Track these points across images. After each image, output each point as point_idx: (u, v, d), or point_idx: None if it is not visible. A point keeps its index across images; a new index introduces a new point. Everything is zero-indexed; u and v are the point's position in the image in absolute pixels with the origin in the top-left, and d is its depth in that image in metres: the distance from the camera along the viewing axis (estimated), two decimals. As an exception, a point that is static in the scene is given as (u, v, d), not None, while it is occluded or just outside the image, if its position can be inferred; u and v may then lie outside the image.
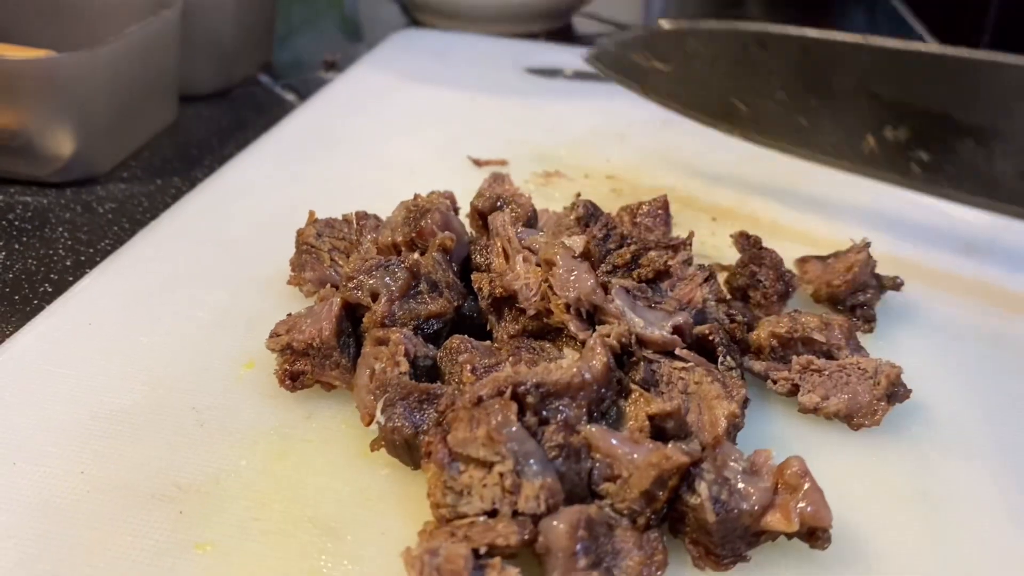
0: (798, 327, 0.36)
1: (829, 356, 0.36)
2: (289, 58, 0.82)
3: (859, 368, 0.36)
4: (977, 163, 0.40)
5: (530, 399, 0.29)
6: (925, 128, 0.41)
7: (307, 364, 0.35)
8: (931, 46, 0.41)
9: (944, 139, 0.40)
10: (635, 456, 0.29)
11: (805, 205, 0.53)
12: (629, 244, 0.37)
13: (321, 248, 0.41)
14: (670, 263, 0.36)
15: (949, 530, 0.32)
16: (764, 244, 0.42)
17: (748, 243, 0.41)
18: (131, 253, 0.45)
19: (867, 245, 0.40)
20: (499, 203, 0.39)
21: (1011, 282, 0.46)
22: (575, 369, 0.30)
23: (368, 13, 1.07)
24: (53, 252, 0.49)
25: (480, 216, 0.40)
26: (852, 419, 0.35)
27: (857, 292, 0.39)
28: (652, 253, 0.37)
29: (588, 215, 0.39)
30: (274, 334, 0.37)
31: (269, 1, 0.77)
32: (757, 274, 0.39)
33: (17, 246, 0.49)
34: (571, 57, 0.80)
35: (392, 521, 0.31)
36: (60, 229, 0.51)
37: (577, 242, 0.36)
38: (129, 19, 0.62)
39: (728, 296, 0.38)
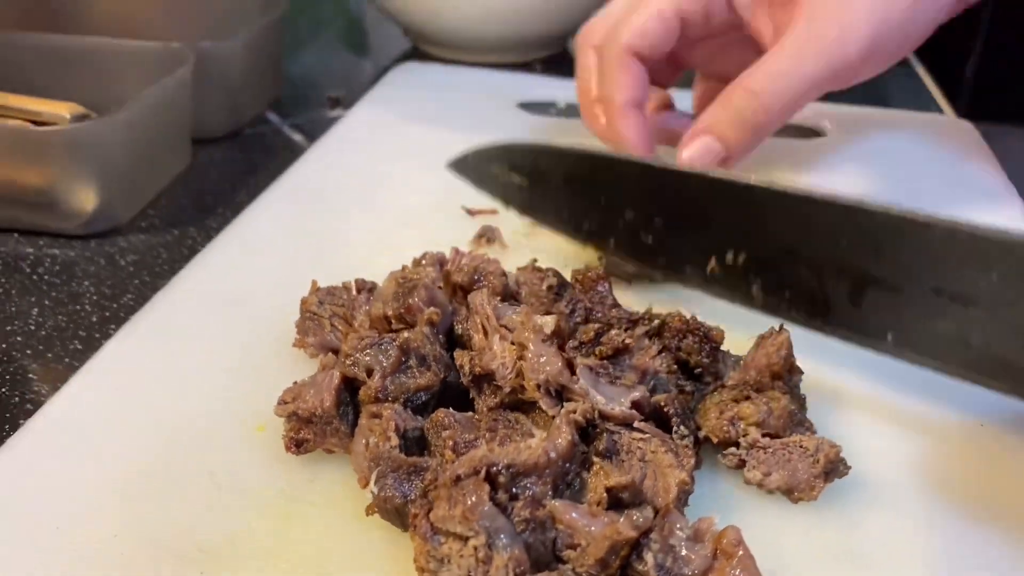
0: (738, 425, 0.40)
1: (775, 435, 0.40)
2: (297, 80, 0.87)
3: (801, 447, 0.40)
4: (813, 289, 0.44)
5: (501, 479, 0.34)
6: (763, 255, 0.45)
7: (310, 432, 0.40)
8: (763, 181, 0.45)
9: (780, 267, 0.45)
10: (592, 528, 0.33)
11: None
12: (591, 320, 0.42)
13: (323, 315, 0.46)
14: (627, 341, 0.41)
15: (872, 587, 0.36)
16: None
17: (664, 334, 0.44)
18: (151, 313, 0.50)
19: (783, 330, 0.43)
20: (476, 276, 0.43)
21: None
22: (541, 450, 0.35)
23: (373, 26, 1.11)
24: (80, 308, 0.54)
25: (460, 288, 0.44)
26: (792, 493, 0.39)
27: (787, 372, 0.43)
28: (612, 332, 0.41)
29: (559, 285, 0.44)
30: (281, 401, 0.41)
31: (276, 41, 0.82)
32: (684, 342, 0.43)
33: (47, 302, 0.54)
34: (564, 91, 0.84)
35: (384, 581, 0.35)
36: (86, 283, 0.56)
37: (548, 322, 0.40)
38: (145, 71, 0.66)
39: (675, 368, 0.42)
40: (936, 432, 0.44)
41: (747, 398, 0.41)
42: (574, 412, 0.38)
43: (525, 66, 0.96)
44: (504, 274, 0.45)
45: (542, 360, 0.39)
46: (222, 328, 0.49)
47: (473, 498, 0.33)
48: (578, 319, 0.44)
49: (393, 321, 0.43)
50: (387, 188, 0.65)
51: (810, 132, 0.78)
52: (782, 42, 0.53)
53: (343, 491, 0.39)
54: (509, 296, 0.45)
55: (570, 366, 0.39)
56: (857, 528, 0.39)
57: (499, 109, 0.79)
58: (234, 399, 0.44)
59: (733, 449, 0.40)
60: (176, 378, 0.45)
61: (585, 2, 0.93)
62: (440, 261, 0.49)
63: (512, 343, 0.40)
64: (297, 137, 0.77)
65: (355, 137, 0.72)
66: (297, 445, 0.40)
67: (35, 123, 0.66)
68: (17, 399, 0.46)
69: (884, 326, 0.43)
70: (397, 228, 0.60)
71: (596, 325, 0.42)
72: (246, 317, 0.50)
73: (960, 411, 0.45)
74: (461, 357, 0.41)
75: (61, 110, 0.67)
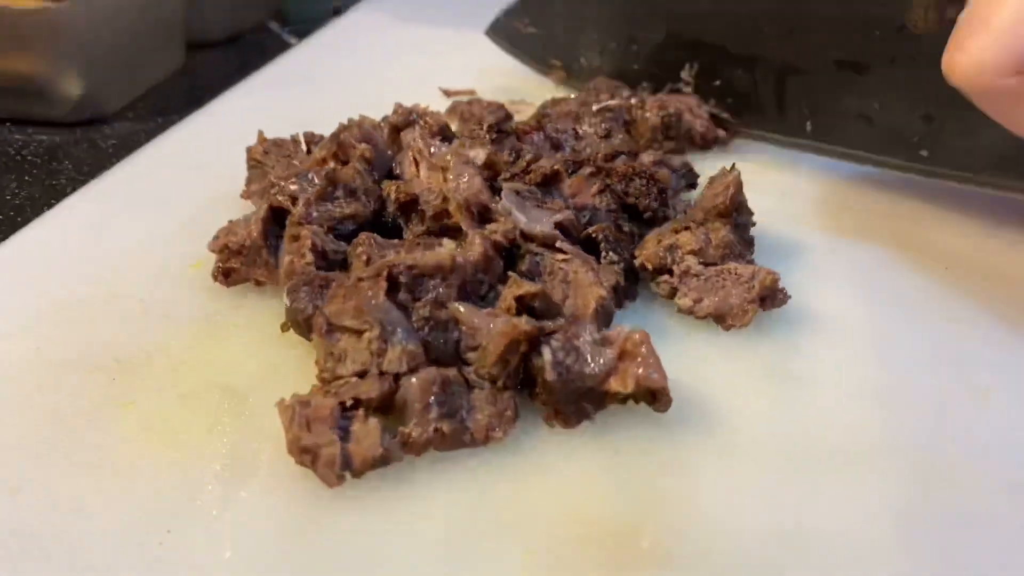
0: (675, 253, 0.39)
1: (712, 264, 0.39)
2: (300, 6, 0.87)
3: (735, 274, 0.38)
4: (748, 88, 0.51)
5: (403, 279, 0.33)
6: (713, 62, 0.52)
7: (239, 262, 0.40)
8: None
9: (722, 72, 0.52)
10: (491, 326, 0.33)
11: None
12: (527, 157, 0.41)
13: (267, 164, 0.46)
14: (556, 167, 0.40)
15: (800, 402, 0.35)
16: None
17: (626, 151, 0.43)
18: (115, 175, 0.51)
19: (734, 169, 0.42)
20: (412, 117, 0.43)
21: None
22: (448, 254, 0.34)
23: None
24: (56, 183, 0.55)
25: (395, 131, 0.43)
26: (724, 320, 0.38)
27: (735, 213, 0.41)
28: (542, 160, 0.40)
29: (499, 122, 0.43)
30: (215, 237, 0.41)
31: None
32: (632, 185, 0.42)
33: (27, 178, 0.55)
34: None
35: (292, 388, 0.34)
36: (66, 162, 0.57)
37: (480, 154, 0.40)
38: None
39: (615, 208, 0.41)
40: (884, 277, 0.42)
41: (687, 229, 0.40)
42: (495, 232, 0.37)
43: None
44: (442, 116, 0.45)
45: (463, 180, 0.38)
46: (180, 187, 0.49)
47: (368, 293, 0.32)
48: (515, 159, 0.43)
49: (330, 161, 0.43)
50: (370, 74, 0.65)
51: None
52: None
53: (267, 317, 0.39)
54: (449, 139, 0.44)
55: (496, 191, 0.39)
56: (793, 353, 0.37)
57: (488, 8, 0.78)
58: (179, 243, 0.44)
59: (667, 277, 0.39)
60: (126, 227, 0.46)
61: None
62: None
63: (438, 168, 0.39)
64: (295, 41, 0.77)
65: (345, 34, 0.72)
66: (225, 275, 0.40)
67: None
68: (-20, 251, 0.47)
69: (803, 116, 0.49)
70: (375, 107, 0.60)
71: (529, 157, 0.41)
72: (206, 178, 0.50)
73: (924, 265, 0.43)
74: (388, 187, 0.40)
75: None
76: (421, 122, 0.43)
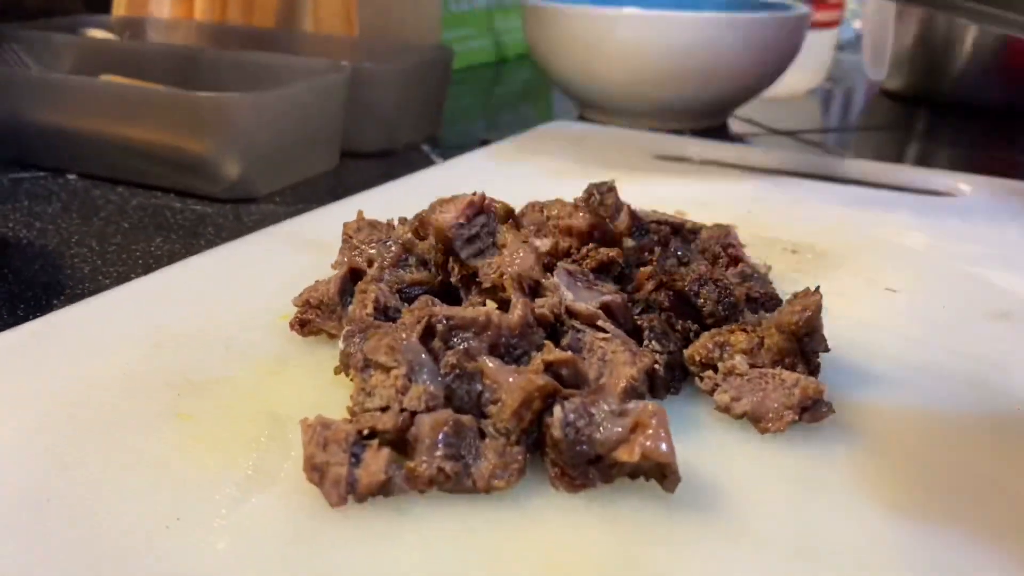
0: (724, 350, 0.39)
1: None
2: (456, 135, 0.95)
3: (780, 379, 0.38)
4: None
5: (439, 327, 0.36)
6: None
7: (315, 315, 0.44)
8: None
9: None
10: (511, 380, 0.34)
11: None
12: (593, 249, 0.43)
13: (355, 238, 0.50)
14: (611, 255, 0.41)
15: (820, 507, 0.33)
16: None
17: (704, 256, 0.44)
18: (244, 242, 0.57)
19: (818, 291, 0.41)
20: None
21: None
22: (485, 313, 0.36)
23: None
24: (196, 244, 0.61)
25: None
26: (759, 422, 0.37)
27: (806, 336, 0.40)
28: (602, 249, 0.42)
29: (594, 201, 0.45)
30: (300, 294, 0.45)
31: (438, 79, 0.90)
32: (704, 289, 0.42)
33: (172, 236, 0.62)
34: (700, 148, 0.86)
35: (330, 423, 0.37)
36: (209, 229, 0.64)
37: (545, 243, 0.42)
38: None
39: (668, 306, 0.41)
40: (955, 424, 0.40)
41: (743, 331, 0.40)
42: (542, 306, 0.39)
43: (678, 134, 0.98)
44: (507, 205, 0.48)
45: (518, 256, 0.40)
46: (292, 260, 0.54)
47: (403, 334, 0.35)
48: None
49: (411, 235, 0.46)
50: (502, 190, 0.69)
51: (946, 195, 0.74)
52: None
53: (332, 363, 0.42)
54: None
55: (549, 269, 0.41)
56: (828, 464, 0.36)
57: (631, 156, 0.82)
58: (275, 299, 0.48)
59: (711, 373, 0.39)
60: (238, 284, 0.51)
61: (749, 70, 0.95)
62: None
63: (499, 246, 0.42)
64: (440, 161, 0.84)
65: (483, 162, 0.78)
66: (301, 325, 0.44)
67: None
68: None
69: None
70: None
71: (592, 246, 0.43)
72: (319, 253, 0.55)
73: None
74: (453, 263, 0.43)
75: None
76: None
